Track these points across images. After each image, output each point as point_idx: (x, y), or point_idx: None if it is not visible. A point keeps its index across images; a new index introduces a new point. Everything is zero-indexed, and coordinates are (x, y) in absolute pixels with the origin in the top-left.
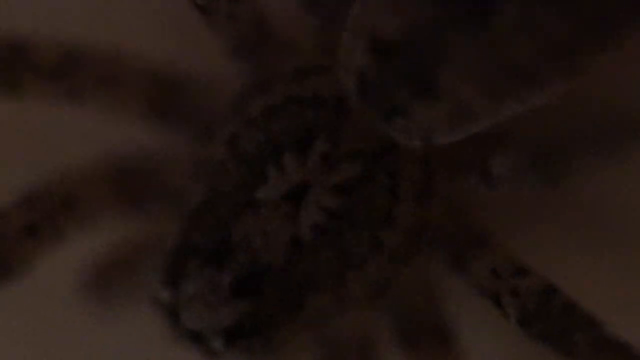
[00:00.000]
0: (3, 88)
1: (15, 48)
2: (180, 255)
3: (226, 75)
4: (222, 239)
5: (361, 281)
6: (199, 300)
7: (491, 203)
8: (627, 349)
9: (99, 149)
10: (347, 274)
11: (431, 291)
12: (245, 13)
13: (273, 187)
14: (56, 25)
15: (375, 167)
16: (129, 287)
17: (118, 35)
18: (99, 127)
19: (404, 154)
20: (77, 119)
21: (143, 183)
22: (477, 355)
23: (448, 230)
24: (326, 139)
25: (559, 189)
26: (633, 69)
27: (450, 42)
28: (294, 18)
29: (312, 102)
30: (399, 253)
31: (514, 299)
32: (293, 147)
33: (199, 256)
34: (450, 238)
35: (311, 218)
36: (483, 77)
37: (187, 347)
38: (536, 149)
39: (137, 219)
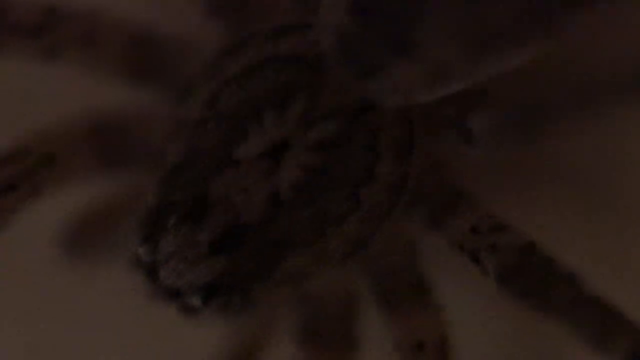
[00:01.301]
0: None
1: None
2: (159, 213)
3: (205, 34)
4: (200, 197)
5: (340, 238)
6: (177, 257)
7: (471, 161)
8: (604, 304)
9: (78, 108)
10: (326, 231)
11: (410, 249)
12: None
13: (252, 144)
14: None
15: (354, 125)
16: (108, 244)
17: None
18: (78, 86)
19: (383, 112)
20: (55, 77)
21: (122, 141)
22: (455, 312)
23: (428, 187)
24: (305, 97)
25: (536, 147)
26: (608, 28)
27: (430, 0)
28: None
29: (291, 60)
30: (379, 210)
31: (493, 254)
32: (272, 105)
33: (178, 213)
34: (429, 195)
35: (290, 175)
36: (462, 36)
37: (165, 304)
38: (514, 107)
39: (116, 176)
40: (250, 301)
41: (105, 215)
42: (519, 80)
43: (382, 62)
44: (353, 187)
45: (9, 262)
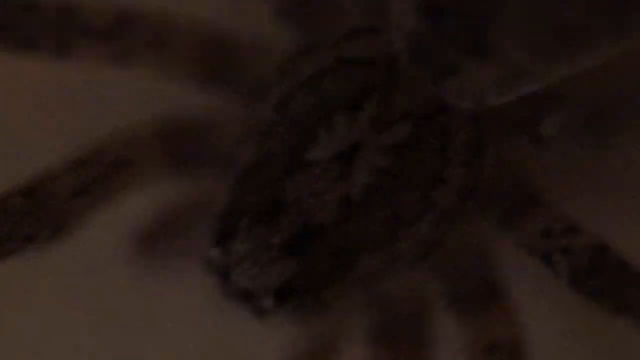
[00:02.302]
0: (54, 50)
1: (65, 10)
2: (231, 215)
3: (277, 37)
4: (273, 199)
5: (412, 240)
6: (250, 259)
7: (543, 163)
8: None
9: (150, 112)
10: (398, 234)
11: (482, 250)
12: None
13: (324, 147)
14: None
15: (426, 128)
16: (181, 246)
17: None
18: (150, 89)
19: (455, 115)
20: (127, 81)
21: (194, 144)
22: (529, 315)
23: (499, 189)
24: (377, 100)
25: (609, 150)
26: None
27: (502, 2)
28: None
29: (363, 63)
30: (450, 212)
31: (566, 257)
32: (344, 108)
33: (250, 216)
34: (501, 197)
35: (363, 178)
36: (534, 38)
37: (237, 306)
38: (586, 111)
39: (188, 179)
40: (322, 303)
41: (178, 218)
42: (592, 82)
43: (455, 65)
44: (425, 190)
45: (84, 265)
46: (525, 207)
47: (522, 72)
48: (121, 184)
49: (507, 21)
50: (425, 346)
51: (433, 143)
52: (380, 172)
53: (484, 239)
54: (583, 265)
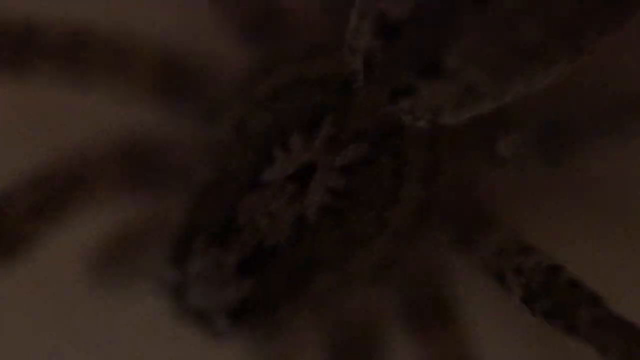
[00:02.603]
0: (10, 70)
1: (23, 30)
2: (186, 235)
3: (233, 56)
4: (227, 219)
5: (366, 260)
6: (204, 279)
7: (498, 183)
8: (629, 326)
9: (105, 130)
10: (352, 254)
11: (435, 270)
12: None
13: (279, 168)
14: (63, 7)
15: (381, 148)
16: (135, 266)
17: (125, 17)
18: (106, 108)
19: (410, 135)
20: (83, 100)
21: (149, 164)
22: (480, 333)
23: (454, 209)
24: (333, 120)
25: (563, 169)
26: (636, 48)
27: (457, 22)
28: None
29: (319, 83)
30: (404, 232)
31: (518, 276)
32: (300, 128)
33: (205, 235)
34: (455, 217)
35: (317, 198)
36: (489, 57)
37: (191, 326)
38: (541, 129)
39: (143, 199)
40: (277, 323)
41: (133, 238)
42: (546, 101)
43: (410, 84)
44: (379, 210)
45: (37, 285)
46: (479, 226)
47: (478, 91)
48: (77, 203)
49: (461, 41)
50: None
51: (388, 163)
52: (334, 192)
53: (438, 257)
54: (535, 285)
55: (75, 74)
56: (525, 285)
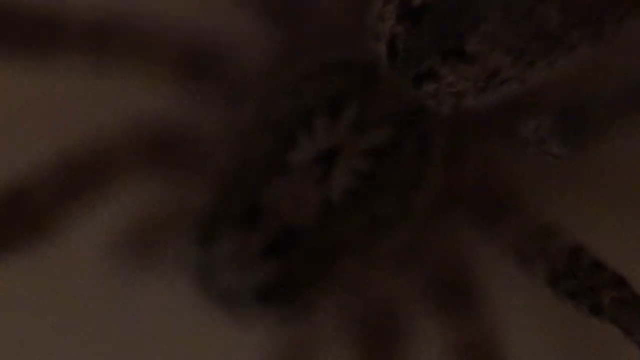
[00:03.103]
0: (34, 57)
1: (47, 17)
2: (212, 218)
3: (257, 41)
4: (252, 202)
5: (391, 244)
6: (230, 262)
7: (521, 166)
8: None
9: (131, 116)
10: (376, 237)
11: (459, 254)
12: None
13: (304, 151)
14: None
15: (405, 132)
16: (163, 248)
17: (148, 2)
18: (131, 93)
19: (434, 119)
20: (108, 86)
21: (174, 148)
22: (504, 316)
23: (478, 192)
24: (356, 103)
25: (587, 153)
26: None
27: (480, 6)
28: None
29: (343, 67)
30: (429, 216)
31: (543, 258)
32: (323, 111)
33: (231, 219)
34: (479, 200)
35: (342, 181)
36: (512, 41)
37: (218, 308)
38: (564, 114)
39: (169, 184)
40: (304, 304)
41: (160, 221)
42: (570, 86)
43: (434, 68)
44: (403, 193)
45: (65, 268)
46: (503, 209)
47: (501, 74)
48: (103, 187)
49: (484, 25)
50: (402, 347)
51: (412, 147)
52: (359, 175)
53: (462, 241)
54: (560, 267)
55: (100, 60)
56: (550, 267)
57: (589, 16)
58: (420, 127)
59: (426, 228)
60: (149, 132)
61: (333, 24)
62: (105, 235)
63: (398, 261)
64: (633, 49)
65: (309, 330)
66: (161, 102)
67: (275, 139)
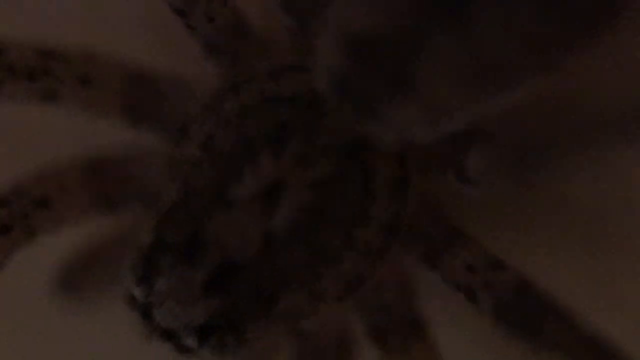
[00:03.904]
0: None
1: None
2: (153, 253)
3: (202, 74)
4: (194, 237)
5: (335, 277)
6: (172, 297)
7: (467, 199)
8: (600, 341)
9: (73, 149)
10: (321, 270)
11: (405, 286)
12: (223, 13)
13: (248, 185)
14: (32, 26)
15: (350, 165)
16: (103, 284)
17: (93, 36)
18: (73, 126)
19: (379, 151)
20: (51, 118)
21: (118, 181)
22: (450, 349)
23: (423, 226)
24: (301, 136)
25: (534, 187)
26: (609, 65)
27: (426, 39)
28: (271, 17)
29: (288, 100)
30: (374, 249)
31: (489, 292)
32: (268, 145)
33: (172, 253)
34: (425, 234)
35: (286, 215)
36: (460, 74)
37: (160, 344)
38: (512, 146)
39: (111, 216)
40: (245, 341)
41: (100, 255)
42: (516, 118)
43: (379, 102)
44: (348, 227)
45: (4, 304)
46: (449, 242)
47: (448, 108)
48: (44, 222)
49: (431, 58)
50: None
51: (356, 180)
52: (303, 209)
53: (409, 273)
54: (506, 300)
55: (43, 92)
56: (496, 301)
57: (540, 47)
58: (366, 160)
59: (372, 261)
60: (93, 166)
61: (277, 57)
62: (46, 272)
63: (344, 295)
64: (586, 80)
65: None
66: (106, 135)
67: (220, 172)
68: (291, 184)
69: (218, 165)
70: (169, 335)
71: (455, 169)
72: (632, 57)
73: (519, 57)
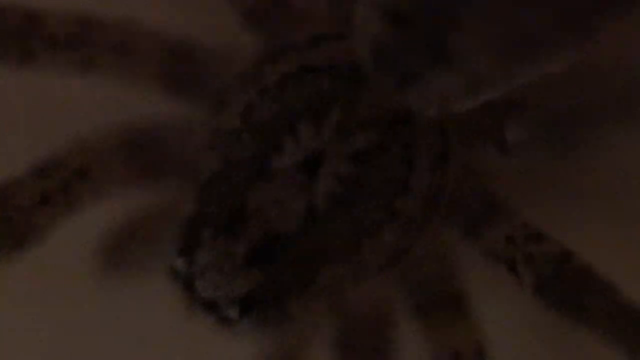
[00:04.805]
0: (17, 58)
1: (28, 18)
2: (195, 225)
3: (241, 44)
4: (236, 209)
5: (376, 250)
6: (214, 269)
7: (508, 170)
8: None
9: (113, 119)
10: (362, 243)
11: (446, 259)
12: None
13: (288, 156)
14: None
15: (390, 136)
16: (146, 256)
17: (132, 5)
18: (113, 96)
19: (419, 122)
20: (91, 88)
21: (157, 153)
22: (491, 323)
23: (463, 198)
24: (341, 107)
25: (573, 157)
26: None
27: (464, 9)
28: None
29: (327, 70)
30: (415, 221)
31: (529, 264)
32: (308, 116)
33: (214, 225)
34: (465, 206)
35: (327, 187)
36: (496, 44)
37: (202, 316)
38: (551, 116)
39: (152, 188)
40: (287, 313)
41: (142, 227)
42: (555, 89)
43: (419, 71)
44: (388, 199)
45: (47, 276)
46: (489, 215)
47: (486, 78)
48: (85, 193)
49: (470, 28)
50: (389, 356)
51: (397, 151)
52: (344, 180)
53: (449, 247)
54: (547, 273)
55: (82, 61)
56: (537, 273)
57: (574, 18)
58: (406, 131)
59: (412, 233)
60: (132, 136)
61: (317, 27)
62: (89, 243)
63: (384, 267)
64: (622, 50)
65: (295, 339)
66: (146, 106)
67: (260, 143)
68: (331, 156)
69: (258, 136)
70: (210, 307)
71: (494, 139)
72: None
73: (555, 27)
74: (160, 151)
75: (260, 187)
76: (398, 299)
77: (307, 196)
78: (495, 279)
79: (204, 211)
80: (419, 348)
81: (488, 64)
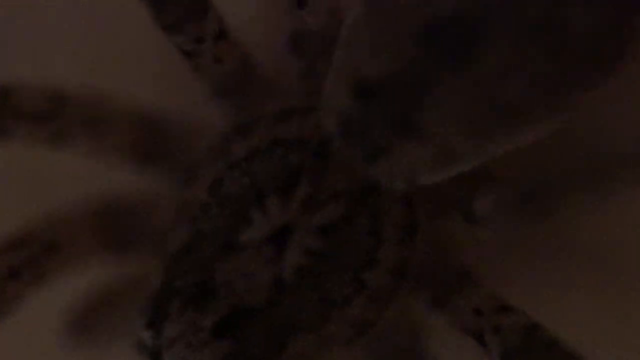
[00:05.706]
0: None
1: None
2: (163, 297)
3: (210, 117)
4: (204, 281)
5: (344, 321)
6: (181, 342)
7: (475, 242)
8: None
9: (83, 192)
10: (329, 315)
11: (413, 329)
12: (231, 55)
13: (256, 229)
14: (40, 70)
15: (358, 208)
16: (114, 328)
17: (102, 79)
18: (83, 170)
19: (387, 195)
20: (61, 162)
21: (127, 226)
22: None
23: (431, 269)
24: (309, 180)
25: (542, 226)
26: (618, 106)
27: (434, 82)
28: (279, 60)
29: (295, 144)
30: (382, 293)
31: (497, 336)
32: (276, 189)
33: (181, 298)
34: (433, 277)
35: (295, 260)
36: (468, 117)
37: None
38: (519, 189)
39: (121, 261)
40: None
41: (110, 300)
42: (525, 159)
43: (386, 145)
44: (356, 271)
45: (14, 349)
46: (457, 286)
47: (456, 151)
48: (54, 266)
49: (438, 101)
50: None
51: (365, 223)
52: (312, 253)
53: (417, 316)
54: (514, 345)
55: (54, 135)
56: (504, 345)
57: (549, 88)
58: (374, 203)
59: (380, 305)
60: (102, 210)
61: (286, 100)
62: (56, 317)
63: (352, 338)
64: (596, 120)
65: None
66: (116, 179)
67: (228, 217)
68: (299, 229)
69: (226, 209)
70: None
71: (463, 210)
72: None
73: (528, 98)
74: (130, 223)
75: (229, 260)
76: None
77: (275, 269)
78: (464, 349)
79: (172, 283)
80: None
81: (459, 138)
